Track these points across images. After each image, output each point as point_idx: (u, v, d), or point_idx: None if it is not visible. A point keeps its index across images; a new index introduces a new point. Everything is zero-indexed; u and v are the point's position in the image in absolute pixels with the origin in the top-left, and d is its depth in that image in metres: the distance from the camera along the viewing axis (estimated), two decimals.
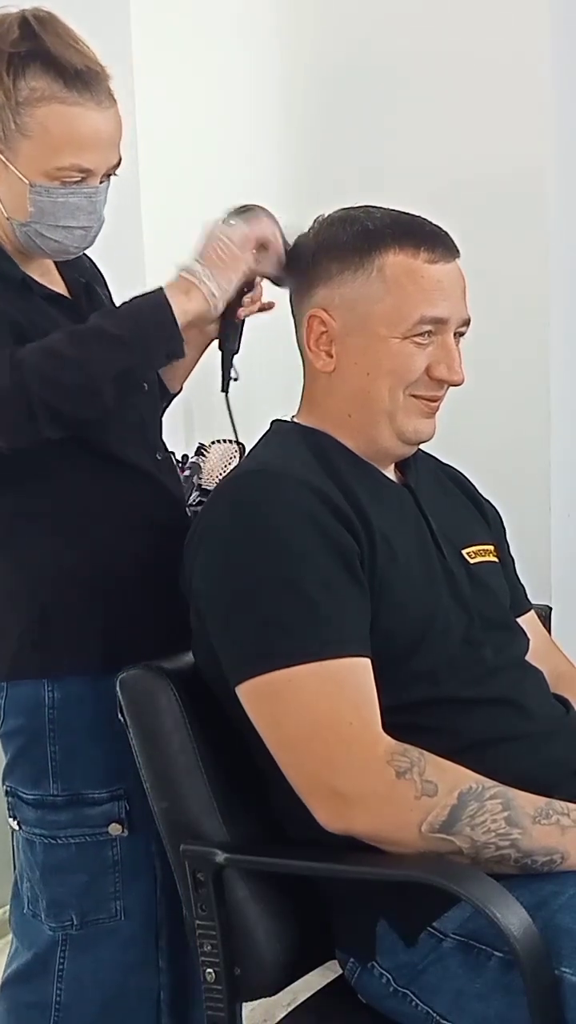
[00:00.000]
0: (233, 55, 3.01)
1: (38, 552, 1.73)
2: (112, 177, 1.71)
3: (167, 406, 1.96)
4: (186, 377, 1.95)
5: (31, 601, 1.73)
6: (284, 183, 2.77)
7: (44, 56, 1.64)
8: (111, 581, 1.73)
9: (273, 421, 1.75)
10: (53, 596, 1.73)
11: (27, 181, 1.65)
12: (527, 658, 1.75)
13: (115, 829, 1.76)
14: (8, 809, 1.81)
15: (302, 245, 1.71)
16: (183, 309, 1.64)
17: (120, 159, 1.71)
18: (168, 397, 1.94)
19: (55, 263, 1.81)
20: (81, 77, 1.64)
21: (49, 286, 1.77)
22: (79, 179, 1.66)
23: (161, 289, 1.66)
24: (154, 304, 1.64)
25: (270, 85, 2.91)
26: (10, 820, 1.81)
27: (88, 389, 1.60)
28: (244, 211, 1.72)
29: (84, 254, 1.82)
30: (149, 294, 1.66)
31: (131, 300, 1.68)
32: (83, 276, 1.85)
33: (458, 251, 1.66)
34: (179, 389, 1.96)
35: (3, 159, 1.66)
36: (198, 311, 1.66)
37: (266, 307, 1.83)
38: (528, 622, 1.85)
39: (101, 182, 1.69)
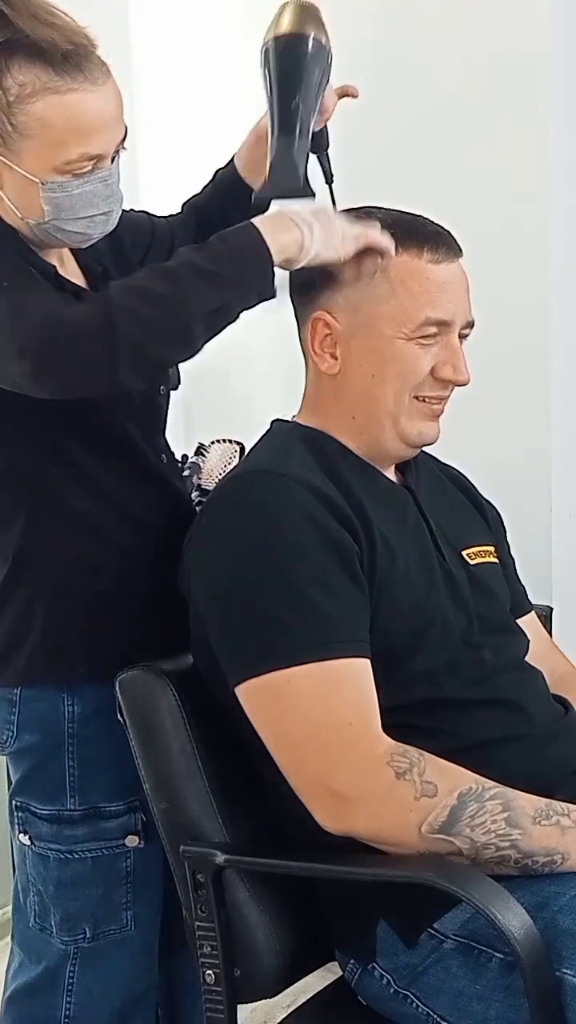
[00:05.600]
0: (230, 33, 3.02)
1: (55, 557, 1.68)
2: (121, 152, 1.62)
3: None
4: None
5: (48, 607, 1.69)
6: None
7: (25, 45, 1.53)
8: (125, 589, 1.70)
9: (273, 421, 1.74)
10: (70, 603, 1.68)
11: (38, 180, 1.56)
12: (527, 659, 1.74)
13: (132, 841, 1.73)
14: (17, 824, 1.77)
15: None
16: (279, 247, 1.53)
17: (126, 130, 1.62)
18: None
19: (72, 254, 1.74)
20: (69, 58, 1.53)
21: (71, 279, 1.70)
22: (90, 167, 1.57)
23: (253, 224, 1.55)
24: (249, 240, 1.53)
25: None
26: (20, 836, 1.77)
27: (180, 329, 1.50)
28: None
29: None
30: (242, 229, 1.56)
31: (222, 234, 1.58)
32: (100, 262, 1.76)
33: (461, 250, 1.66)
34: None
35: (6, 162, 1.57)
36: (288, 256, 1.54)
37: (348, 94, 1.79)
38: (528, 623, 1.85)
39: (112, 161, 1.61)
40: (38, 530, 1.68)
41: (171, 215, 1.95)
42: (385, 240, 1.61)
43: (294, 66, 1.69)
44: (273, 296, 1.56)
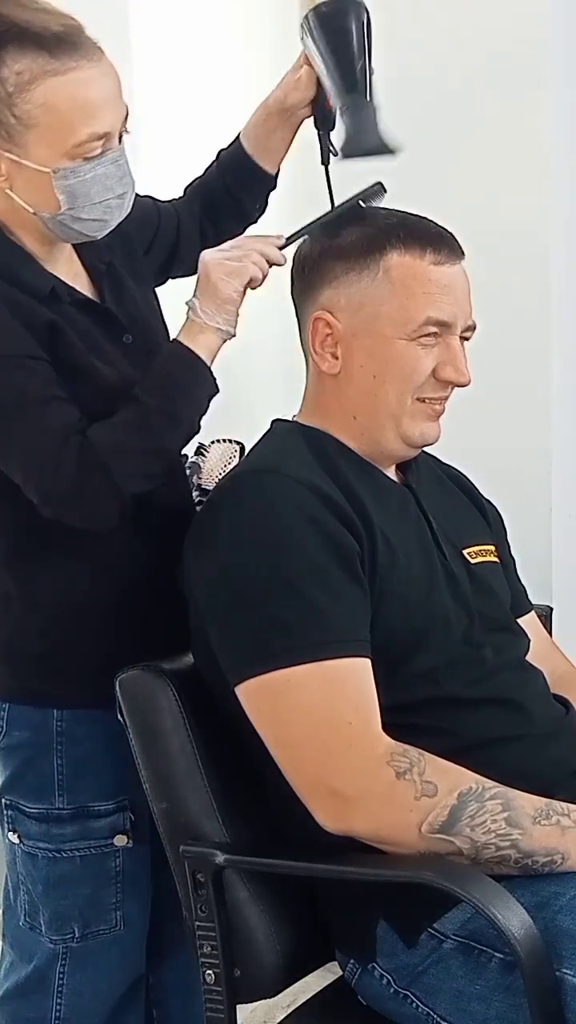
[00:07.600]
0: (230, 32, 3.02)
1: (51, 579, 1.68)
2: (126, 134, 1.60)
3: (266, 201, 1.94)
4: (282, 160, 1.90)
5: (42, 629, 1.69)
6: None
7: (15, 33, 1.50)
8: (124, 611, 1.69)
9: (273, 421, 1.74)
10: (66, 628, 1.69)
11: (48, 170, 1.53)
12: (527, 659, 1.74)
13: (120, 840, 1.73)
14: (6, 823, 1.77)
15: (306, 246, 1.70)
16: (208, 351, 1.64)
17: (127, 110, 1.59)
18: (268, 181, 1.91)
19: (75, 249, 1.71)
20: (63, 39, 1.51)
21: (74, 284, 1.69)
22: (100, 149, 1.55)
23: (177, 342, 1.65)
24: (184, 362, 1.64)
25: (266, 39, 2.90)
26: (9, 834, 1.77)
27: (160, 458, 1.64)
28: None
29: None
30: (172, 354, 1.65)
31: (161, 364, 1.66)
32: (103, 258, 1.74)
33: (463, 252, 1.66)
34: (277, 171, 1.91)
35: (14, 158, 1.54)
36: (217, 346, 1.66)
37: None
38: (528, 623, 1.85)
39: (120, 142, 1.59)
40: (28, 547, 1.68)
41: (175, 199, 1.96)
42: (261, 265, 1.65)
43: (347, 28, 1.70)
44: (217, 392, 1.67)
